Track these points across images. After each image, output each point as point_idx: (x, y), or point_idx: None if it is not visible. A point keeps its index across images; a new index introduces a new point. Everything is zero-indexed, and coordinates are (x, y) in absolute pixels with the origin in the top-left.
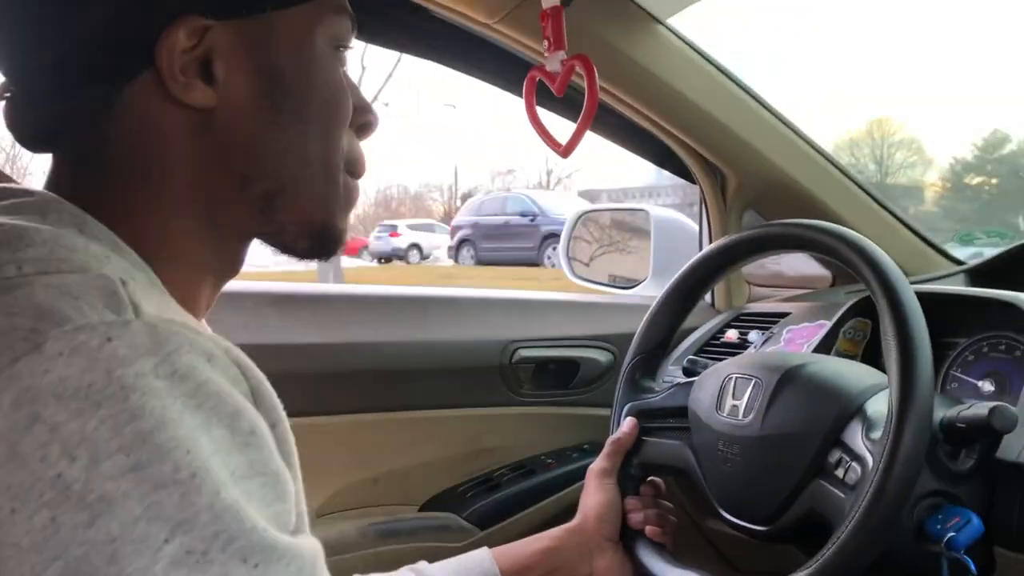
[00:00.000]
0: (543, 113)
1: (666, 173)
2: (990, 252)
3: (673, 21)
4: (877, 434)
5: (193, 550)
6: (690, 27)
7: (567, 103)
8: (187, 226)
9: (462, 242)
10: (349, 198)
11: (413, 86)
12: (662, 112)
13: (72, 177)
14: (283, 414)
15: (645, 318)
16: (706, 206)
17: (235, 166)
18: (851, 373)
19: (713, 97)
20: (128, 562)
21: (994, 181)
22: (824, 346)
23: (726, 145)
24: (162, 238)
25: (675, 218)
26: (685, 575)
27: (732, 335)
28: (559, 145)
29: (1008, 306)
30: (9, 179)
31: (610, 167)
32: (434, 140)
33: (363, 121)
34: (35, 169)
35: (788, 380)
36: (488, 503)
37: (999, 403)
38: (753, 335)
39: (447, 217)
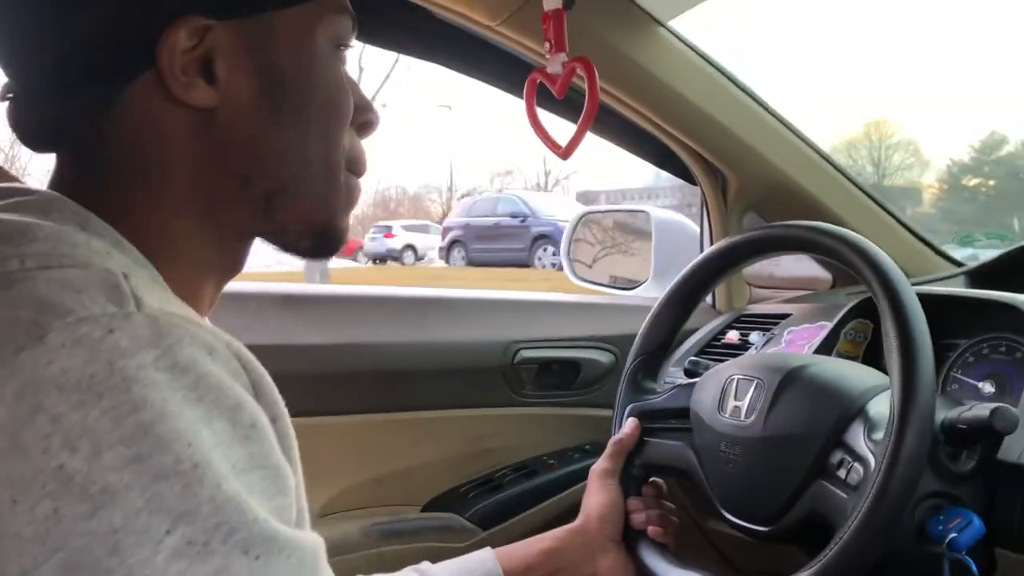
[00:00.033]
0: (544, 115)
1: (664, 175)
2: (984, 254)
3: (674, 23)
4: (879, 435)
5: (194, 541)
6: (690, 27)
7: (568, 104)
8: (188, 225)
9: (453, 243)
10: (351, 197)
11: (412, 87)
12: (664, 114)
13: (74, 177)
14: (284, 409)
15: (647, 319)
16: (707, 208)
17: (236, 166)
18: (853, 374)
19: (715, 99)
20: (130, 553)
21: (991, 183)
22: (825, 347)
23: (727, 147)
24: (163, 237)
25: (676, 219)
26: (687, 575)
27: (733, 336)
28: (559, 147)
29: (1008, 308)
30: (13, 178)
31: (608, 169)
32: (433, 141)
33: (364, 120)
34: (34, 169)
35: (790, 381)
36: (490, 503)
37: (1000, 404)
38: (754, 336)
39: (445, 218)
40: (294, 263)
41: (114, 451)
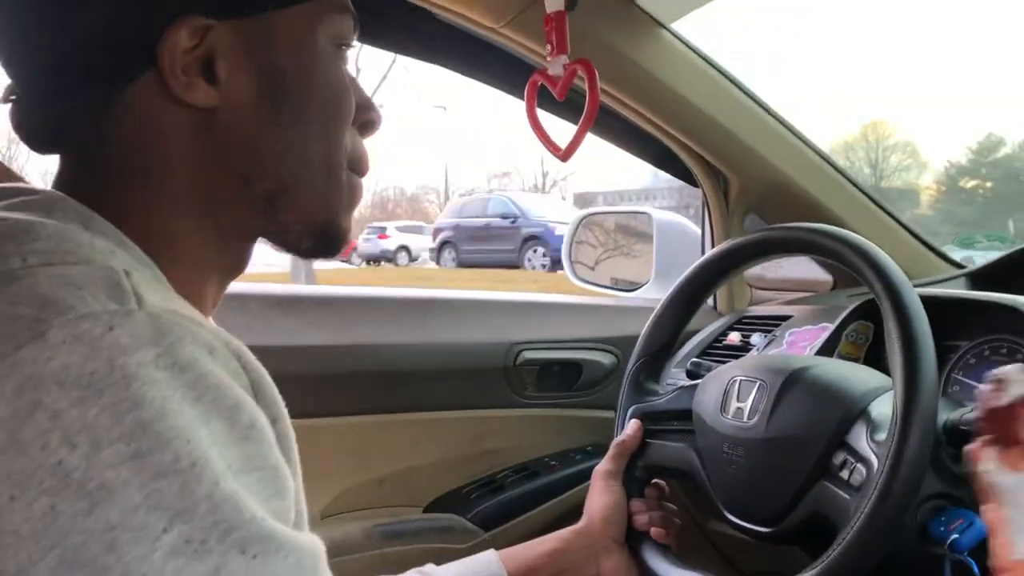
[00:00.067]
0: (545, 116)
1: (662, 176)
2: (980, 256)
3: (676, 25)
4: (882, 436)
5: (192, 539)
6: (690, 27)
7: (569, 106)
8: (189, 225)
9: (444, 244)
10: (353, 196)
11: (410, 88)
12: (666, 116)
13: (76, 177)
14: (284, 410)
15: (649, 321)
16: (708, 209)
17: (237, 165)
18: (855, 376)
19: (717, 101)
20: (126, 551)
21: (989, 185)
22: (827, 349)
23: (729, 149)
24: (165, 237)
25: (677, 221)
26: None
27: (735, 338)
28: (559, 149)
29: (1009, 309)
30: (18, 178)
31: (606, 170)
32: (430, 142)
33: (366, 119)
34: (31, 170)
35: (792, 382)
36: (492, 504)
37: None
38: (755, 338)
39: None
40: (280, 263)
41: (113, 448)
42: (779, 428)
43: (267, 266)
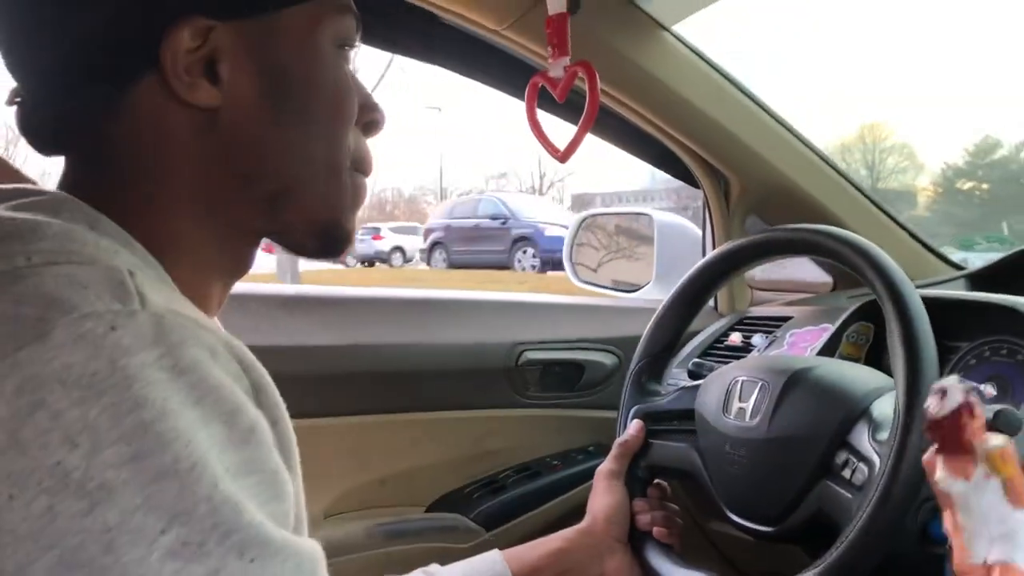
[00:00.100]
0: (546, 117)
1: (660, 177)
2: (977, 257)
3: (678, 28)
4: (884, 435)
5: (189, 541)
6: (690, 27)
7: (570, 106)
8: (194, 225)
9: (435, 245)
10: (356, 196)
11: (407, 89)
12: (667, 117)
13: (81, 177)
14: (285, 412)
15: (651, 322)
16: (709, 210)
17: (239, 165)
18: (856, 376)
19: (718, 103)
20: (124, 552)
21: (985, 187)
22: (828, 350)
23: (730, 150)
24: (169, 237)
25: (678, 222)
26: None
27: (736, 338)
28: (557, 150)
29: (1009, 310)
30: (27, 179)
31: (604, 171)
32: (428, 143)
33: (369, 119)
34: (29, 171)
35: (795, 383)
36: (494, 504)
37: (1005, 407)
38: (756, 338)
39: None
40: (268, 264)
41: (113, 448)
42: (781, 428)
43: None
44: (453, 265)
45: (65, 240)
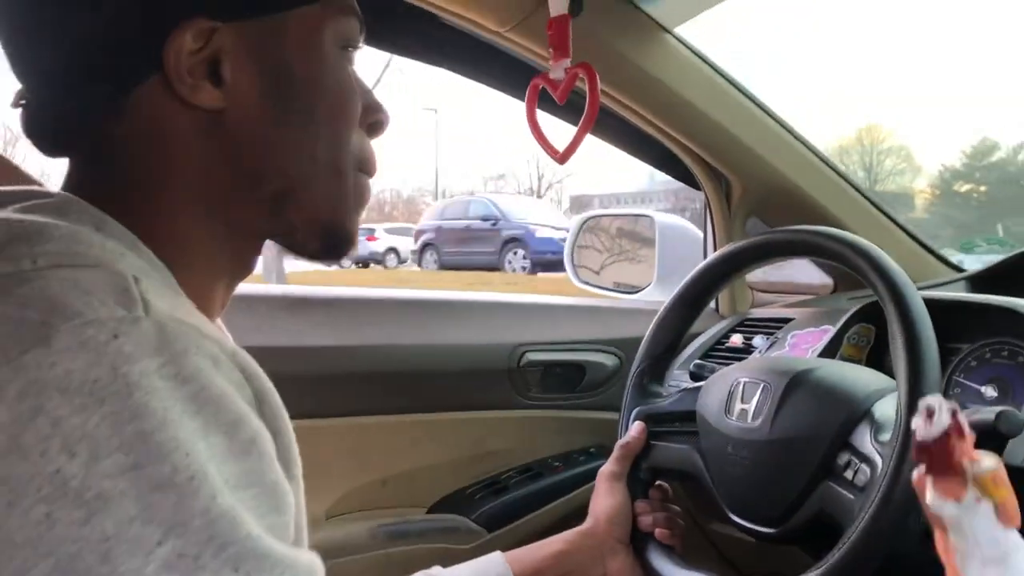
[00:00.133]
0: (546, 118)
1: (659, 178)
2: (973, 260)
3: (680, 30)
4: (886, 436)
5: (185, 554)
6: (690, 27)
7: (570, 108)
8: (198, 226)
9: (425, 246)
10: (360, 197)
11: (404, 91)
12: (668, 119)
13: (85, 179)
14: (287, 422)
15: (653, 323)
16: (710, 212)
17: (243, 166)
18: (858, 377)
19: (720, 105)
20: (120, 562)
21: (983, 189)
22: (829, 351)
23: (731, 152)
24: (174, 238)
25: (679, 224)
26: None
27: (737, 340)
28: (557, 152)
29: (1009, 312)
30: (33, 181)
31: (602, 173)
32: (426, 145)
33: (373, 120)
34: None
35: (796, 384)
36: (496, 505)
37: (1006, 408)
38: (758, 340)
39: None
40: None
41: (112, 458)
42: (783, 429)
43: None
44: (444, 266)
45: (71, 242)
